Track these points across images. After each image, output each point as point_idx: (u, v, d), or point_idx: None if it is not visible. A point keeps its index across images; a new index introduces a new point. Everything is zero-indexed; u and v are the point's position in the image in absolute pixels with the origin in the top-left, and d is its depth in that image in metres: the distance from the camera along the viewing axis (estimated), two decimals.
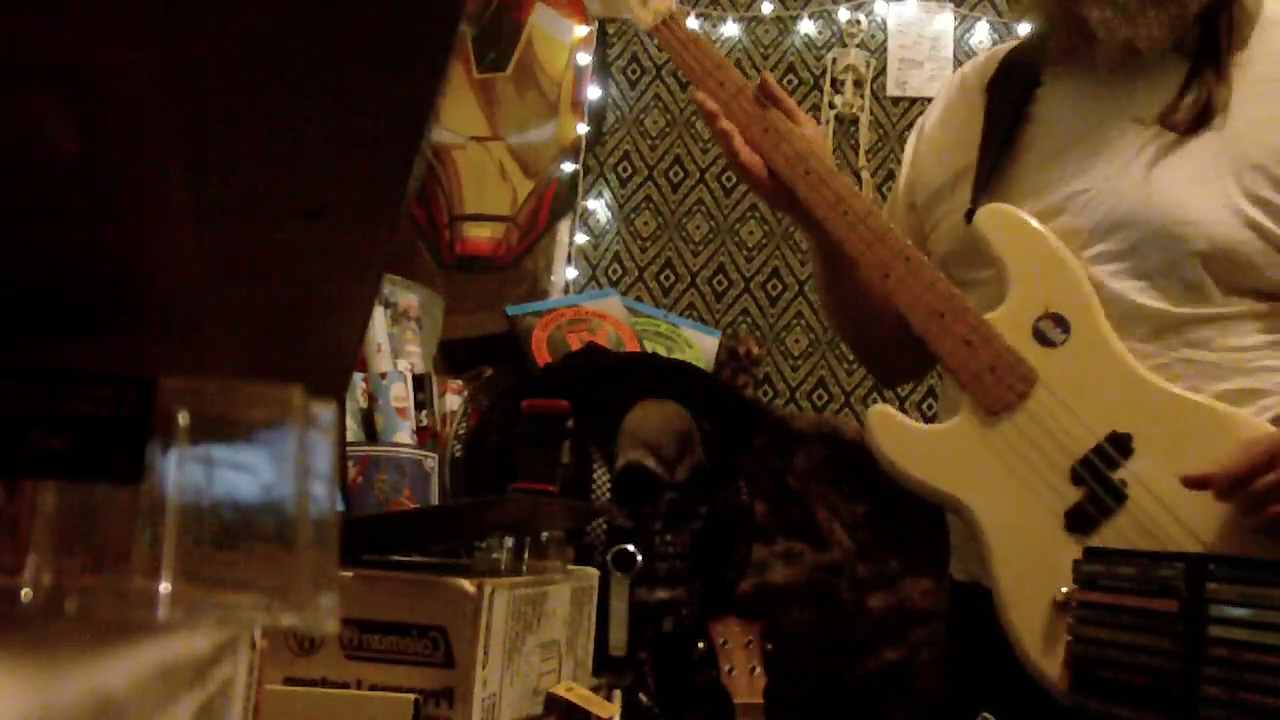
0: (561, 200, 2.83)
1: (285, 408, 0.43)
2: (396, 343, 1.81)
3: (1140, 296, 1.32)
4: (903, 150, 1.68)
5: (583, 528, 1.55)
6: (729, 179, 2.73)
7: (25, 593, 0.40)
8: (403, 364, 1.78)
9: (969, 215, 1.41)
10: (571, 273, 2.78)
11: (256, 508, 0.43)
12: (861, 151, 2.66)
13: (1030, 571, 1.28)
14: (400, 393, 1.70)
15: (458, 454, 1.72)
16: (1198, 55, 1.36)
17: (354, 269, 0.53)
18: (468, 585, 0.96)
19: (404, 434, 1.68)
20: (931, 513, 1.52)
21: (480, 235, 2.86)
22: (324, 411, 0.45)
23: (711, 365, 2.20)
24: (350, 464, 1.61)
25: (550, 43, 2.88)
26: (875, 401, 2.61)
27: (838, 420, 2.12)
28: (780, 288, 2.71)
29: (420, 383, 1.74)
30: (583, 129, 2.82)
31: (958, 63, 2.59)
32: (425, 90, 0.41)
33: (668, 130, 2.81)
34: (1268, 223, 1.30)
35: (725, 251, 2.74)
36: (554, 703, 1.12)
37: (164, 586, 0.40)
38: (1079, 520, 1.29)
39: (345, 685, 0.97)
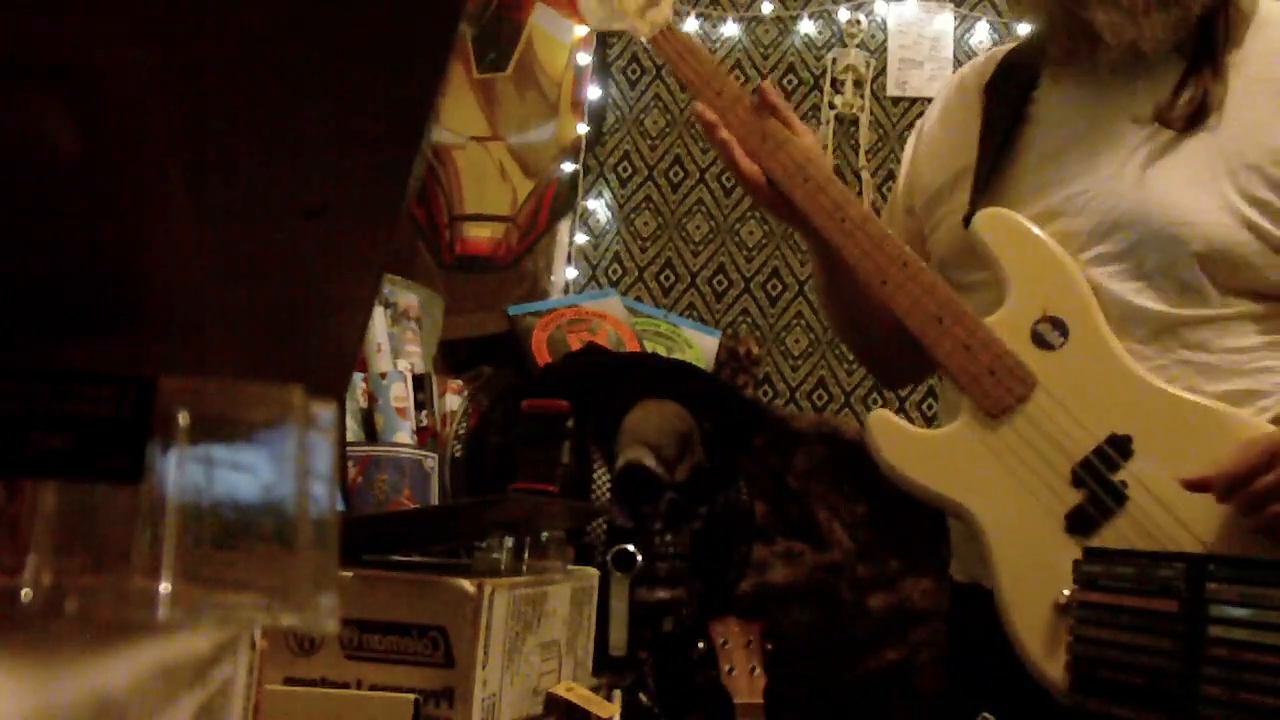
0: (561, 200, 2.83)
1: (285, 408, 0.43)
2: (396, 343, 1.81)
3: (1138, 298, 1.32)
4: (903, 150, 1.68)
5: (583, 528, 1.55)
6: (729, 179, 2.73)
7: (25, 593, 0.40)
8: (403, 364, 1.78)
9: (967, 219, 1.41)
10: (571, 273, 2.78)
11: (256, 508, 0.43)
12: (861, 152, 2.66)
13: (1032, 574, 1.28)
14: (400, 393, 1.70)
15: (458, 454, 1.72)
16: (1194, 54, 1.36)
17: (354, 269, 0.53)
18: (468, 585, 0.96)
19: (404, 434, 1.68)
20: (931, 513, 1.52)
21: (480, 235, 2.86)
22: (324, 411, 0.45)
23: (711, 365, 2.20)
24: (350, 464, 1.61)
25: (550, 43, 2.88)
26: (875, 402, 2.61)
27: (838, 420, 2.12)
28: (780, 288, 2.71)
29: (420, 383, 1.74)
30: (583, 129, 2.82)
31: (958, 63, 2.59)
32: (425, 90, 0.41)
33: (668, 130, 2.81)
34: (1264, 223, 1.30)
35: (725, 251, 2.74)
36: (554, 703, 1.12)
37: (164, 586, 0.40)
38: (1080, 522, 1.29)
39: (345, 685, 0.97)
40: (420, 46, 0.39)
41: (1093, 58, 1.37)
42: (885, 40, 2.71)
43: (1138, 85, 1.38)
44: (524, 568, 1.14)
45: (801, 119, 1.51)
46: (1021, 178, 1.42)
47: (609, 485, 1.63)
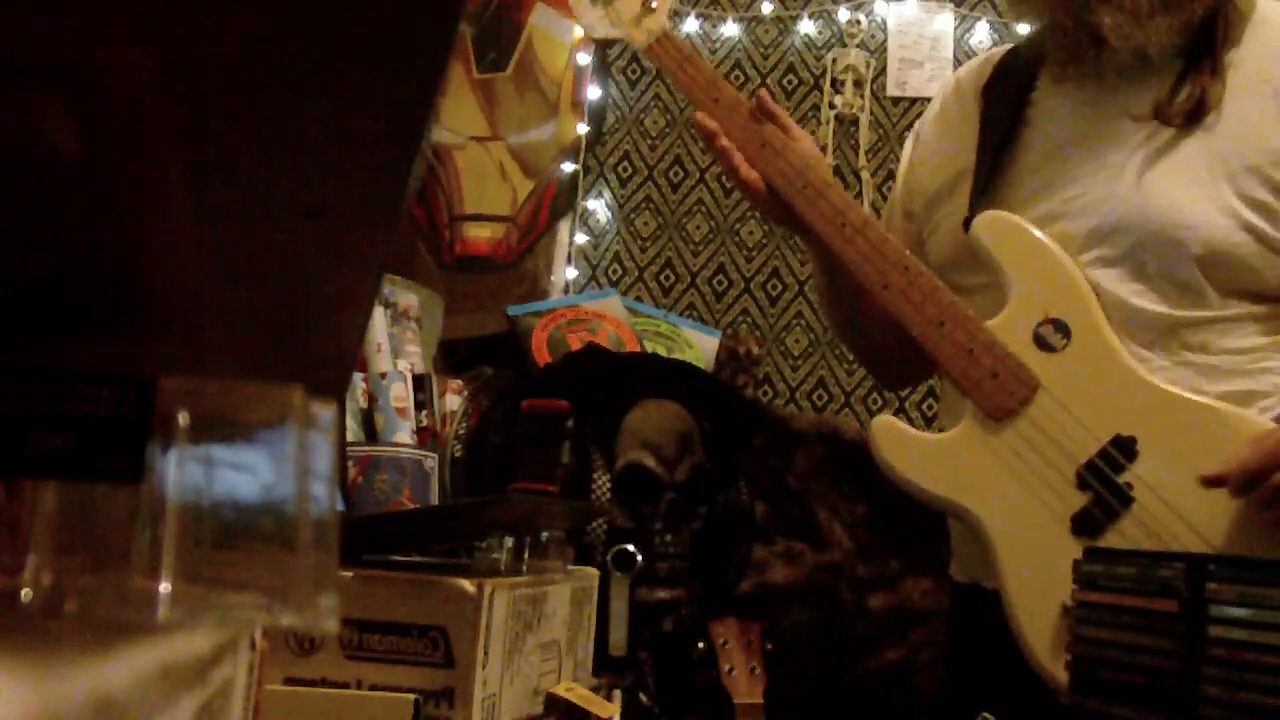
0: (561, 200, 2.83)
1: (285, 408, 0.43)
2: (396, 343, 1.81)
3: (1139, 300, 1.32)
4: (902, 151, 1.68)
5: (583, 528, 1.55)
6: (729, 180, 2.73)
7: (25, 593, 0.40)
8: (403, 364, 1.78)
9: (967, 223, 1.41)
10: (571, 273, 2.78)
11: (256, 508, 0.43)
12: (861, 152, 2.66)
13: (1038, 576, 1.28)
14: (400, 393, 1.70)
15: (458, 454, 1.72)
16: (1193, 52, 1.36)
17: (354, 269, 0.53)
18: (468, 585, 0.96)
19: (404, 434, 1.68)
20: (931, 513, 1.52)
21: (480, 235, 2.86)
22: (324, 411, 0.45)
23: (711, 365, 2.20)
24: (350, 464, 1.61)
25: (550, 43, 2.88)
26: (875, 402, 2.61)
27: (838, 420, 2.12)
28: (780, 288, 2.71)
29: (420, 383, 1.74)
30: (583, 129, 2.82)
31: (958, 63, 2.59)
32: (425, 90, 0.41)
33: (668, 130, 2.81)
34: (1263, 225, 1.30)
35: (725, 251, 2.74)
36: (554, 703, 1.12)
37: (164, 586, 0.40)
38: (1086, 524, 1.29)
39: (345, 685, 0.97)
40: (420, 46, 0.39)
41: (1097, 61, 1.37)
42: (885, 40, 2.71)
43: (1137, 86, 1.38)
44: (524, 568, 1.14)
45: (801, 119, 1.51)
46: (1021, 180, 1.42)
47: (609, 485, 1.63)
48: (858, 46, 2.70)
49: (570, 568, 1.29)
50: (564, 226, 2.82)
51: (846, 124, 2.69)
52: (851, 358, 2.54)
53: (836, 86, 2.69)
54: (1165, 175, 1.33)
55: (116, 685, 0.40)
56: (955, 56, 2.66)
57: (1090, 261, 1.35)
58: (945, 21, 2.69)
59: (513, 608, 1.02)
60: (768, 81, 2.74)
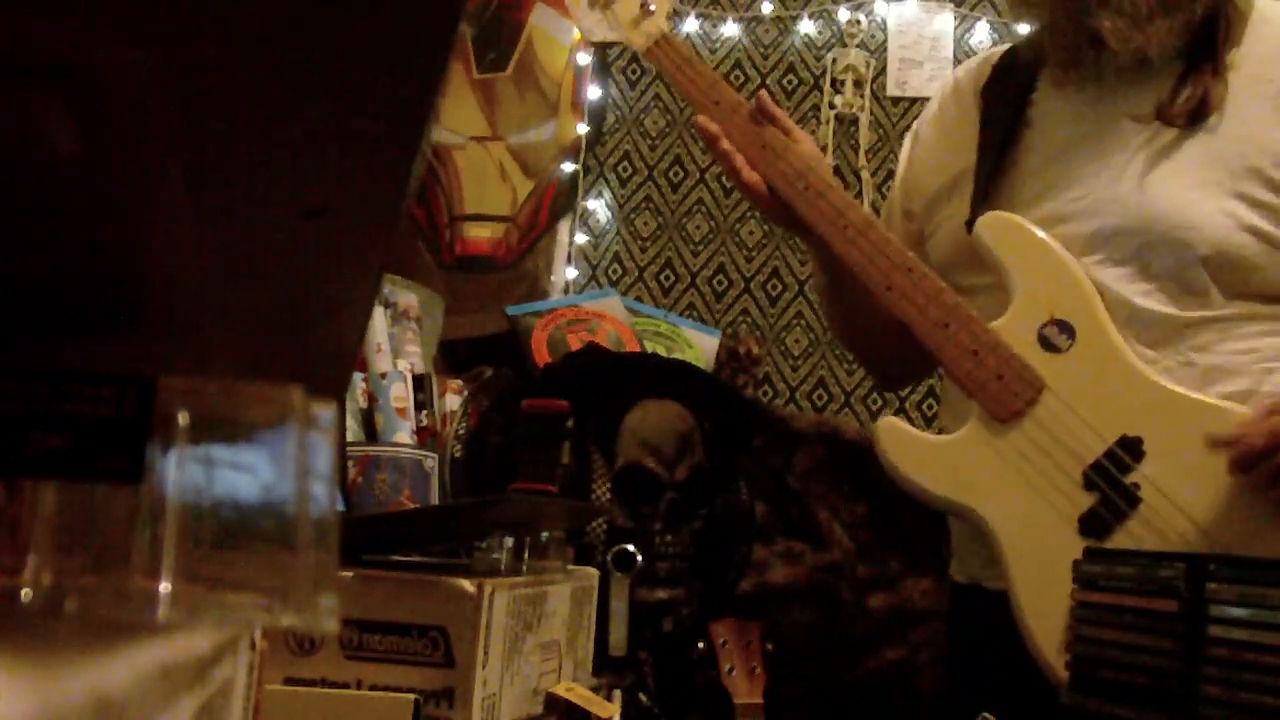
0: (561, 200, 2.83)
1: (285, 408, 0.43)
2: (396, 343, 1.81)
3: (1143, 300, 1.32)
4: (901, 150, 1.68)
5: (583, 528, 1.55)
6: (729, 180, 2.73)
7: (25, 593, 0.40)
8: (403, 364, 1.78)
9: (970, 224, 1.41)
10: (571, 273, 2.78)
11: (256, 508, 0.43)
12: (861, 151, 2.66)
13: (1046, 577, 1.28)
14: (400, 393, 1.70)
15: (458, 454, 1.72)
16: (1193, 53, 1.36)
17: (354, 269, 0.53)
18: (468, 585, 0.96)
19: (404, 434, 1.68)
20: (931, 513, 1.52)
21: (480, 235, 2.86)
22: (324, 411, 0.45)
23: (711, 365, 2.20)
24: (350, 464, 1.61)
25: (550, 43, 2.88)
26: (875, 402, 2.61)
27: (838, 420, 2.12)
28: (780, 288, 2.71)
29: (420, 383, 1.74)
30: (583, 129, 2.82)
31: (957, 62, 2.59)
32: (425, 90, 0.41)
33: (668, 130, 2.81)
34: (1267, 226, 1.30)
35: (725, 251, 2.74)
36: (554, 703, 1.12)
37: (164, 586, 0.40)
38: (1093, 525, 1.28)
39: (345, 685, 0.97)
40: (420, 46, 0.39)
41: (1097, 64, 1.37)
42: (885, 40, 2.71)
43: (1138, 88, 1.38)
44: (524, 568, 1.14)
45: (801, 119, 1.51)
46: (1023, 181, 1.42)
47: (609, 485, 1.63)
48: (858, 46, 2.70)
49: (570, 568, 1.29)
50: (564, 226, 2.82)
51: (846, 124, 2.69)
52: (851, 358, 2.54)
53: (836, 86, 2.69)
54: (1169, 176, 1.33)
55: (116, 685, 0.40)
56: (955, 56, 2.66)
57: (1095, 262, 1.35)
58: (945, 21, 2.69)
59: (513, 608, 1.02)
60: (768, 82, 2.74)
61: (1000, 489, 1.32)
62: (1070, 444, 1.31)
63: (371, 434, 1.67)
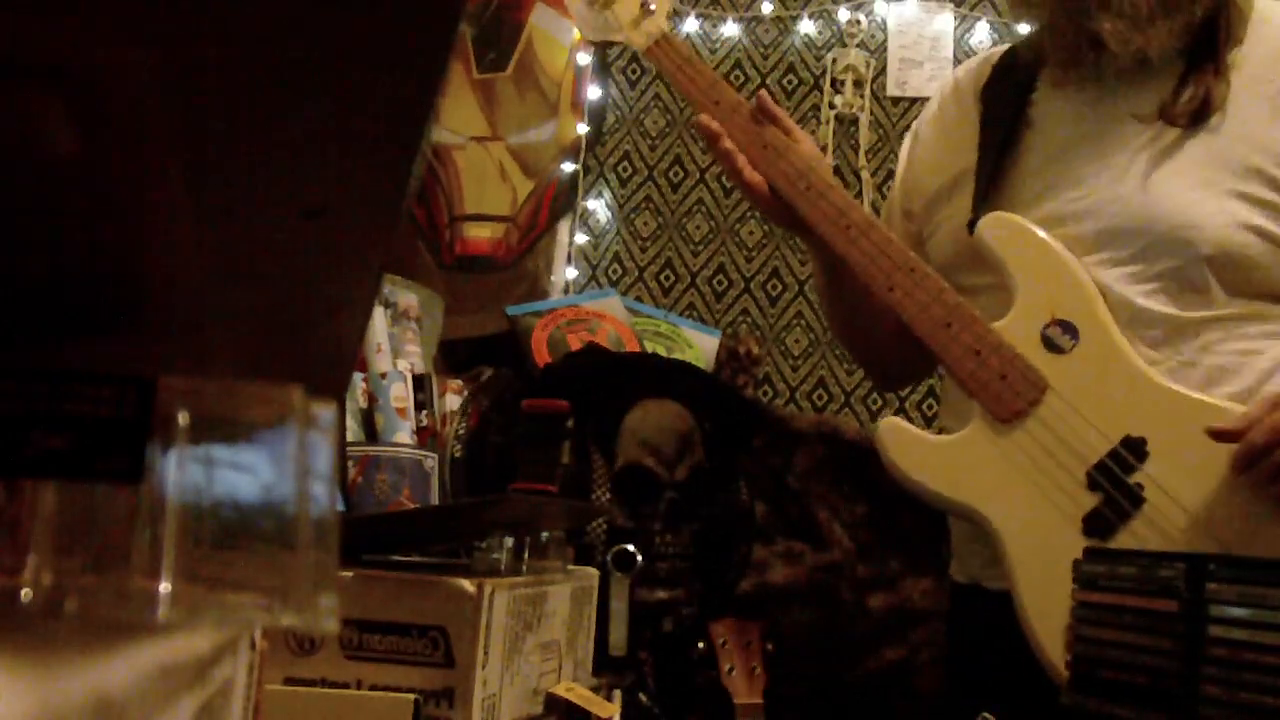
0: (561, 200, 2.83)
1: (285, 408, 0.43)
2: (396, 343, 1.81)
3: (1145, 300, 1.32)
4: (900, 150, 1.68)
5: (583, 528, 1.55)
6: (729, 180, 2.73)
7: (25, 593, 0.40)
8: (403, 364, 1.78)
9: (971, 224, 1.41)
10: (571, 273, 2.78)
11: (256, 508, 0.43)
12: (861, 151, 2.66)
13: (1050, 577, 1.27)
14: (400, 393, 1.70)
15: (458, 454, 1.72)
16: (1193, 52, 1.36)
17: (354, 269, 0.53)
18: (468, 585, 0.96)
19: (404, 434, 1.68)
20: (931, 513, 1.52)
21: (480, 235, 2.86)
22: (324, 411, 0.45)
23: (711, 365, 2.20)
24: (350, 464, 1.61)
25: (550, 43, 2.88)
26: (875, 402, 2.61)
27: (838, 420, 2.12)
28: (780, 288, 2.71)
29: (420, 383, 1.74)
30: (583, 129, 2.82)
31: (957, 62, 2.59)
32: (425, 90, 0.41)
33: (668, 130, 2.81)
34: (1269, 225, 1.30)
35: (725, 251, 2.74)
36: (554, 703, 1.12)
37: (164, 586, 0.40)
38: (1097, 525, 1.28)
39: (345, 685, 0.97)
40: (420, 46, 0.39)
41: (1097, 65, 1.37)
42: (885, 40, 2.71)
43: (1138, 88, 1.38)
44: (524, 568, 1.14)
45: (801, 119, 1.51)
46: (1024, 182, 1.42)
47: (609, 485, 1.63)
48: (858, 46, 2.70)
49: (570, 568, 1.29)
50: (564, 226, 2.82)
51: (846, 124, 2.69)
52: (851, 358, 2.54)
53: (836, 86, 2.69)
54: (1171, 176, 1.33)
55: (116, 685, 0.40)
56: (955, 56, 2.66)
57: (1097, 262, 1.34)
58: (945, 21, 2.69)
59: (513, 608, 1.02)
60: (768, 82, 2.74)
61: (1004, 489, 1.32)
62: (1074, 444, 1.31)
63: (371, 434, 1.67)
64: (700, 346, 2.22)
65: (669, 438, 1.65)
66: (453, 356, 2.00)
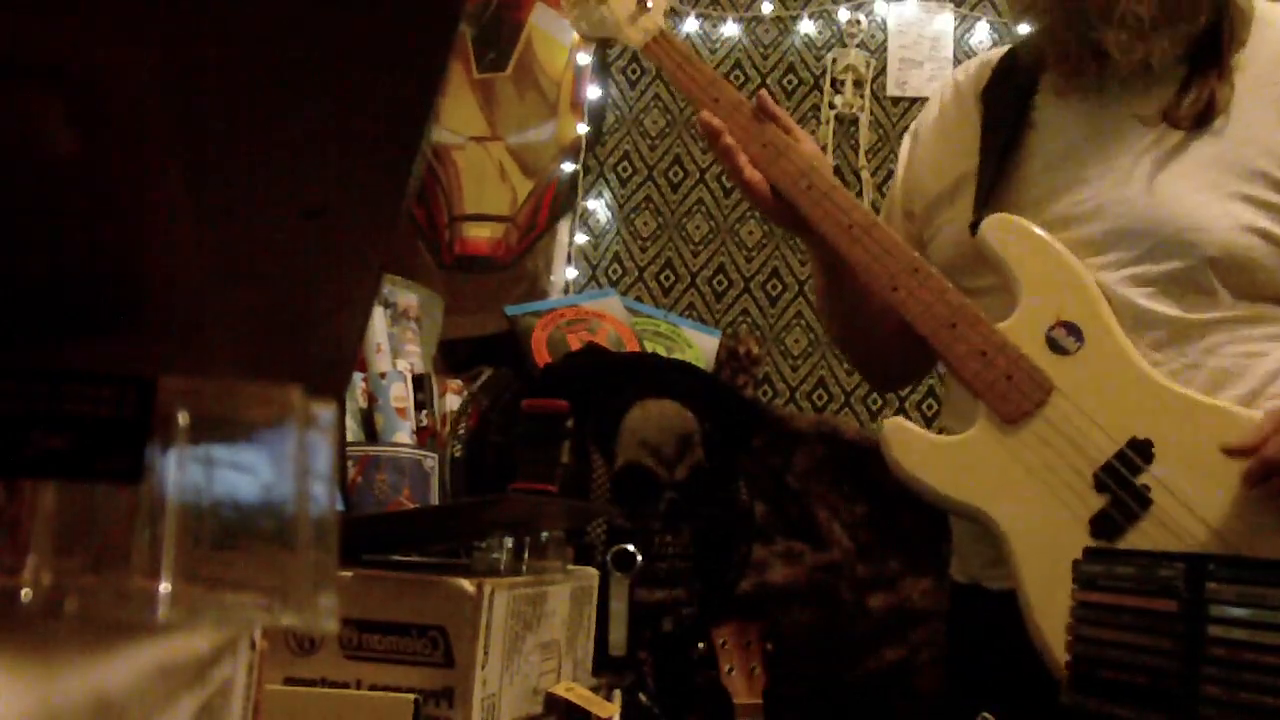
0: (561, 200, 2.83)
1: (285, 408, 0.43)
2: (396, 343, 1.81)
3: (1150, 303, 1.32)
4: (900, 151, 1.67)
5: (583, 528, 1.55)
6: (729, 179, 2.73)
7: (25, 593, 0.40)
8: (403, 364, 1.78)
9: (974, 226, 1.40)
10: (571, 273, 2.78)
11: (256, 508, 0.43)
12: (861, 151, 2.66)
13: (1058, 578, 1.27)
14: (400, 393, 1.70)
15: (458, 454, 1.72)
16: (1196, 56, 1.36)
17: (354, 269, 0.53)
18: (468, 585, 0.96)
19: (404, 434, 1.68)
20: (932, 513, 1.52)
21: (480, 235, 2.86)
22: (324, 411, 0.45)
23: (711, 365, 2.20)
24: (350, 464, 1.61)
25: (550, 43, 2.88)
26: (875, 402, 2.61)
27: (838, 420, 2.12)
28: (780, 288, 2.71)
29: (420, 383, 1.74)
30: (583, 129, 2.82)
31: (957, 62, 2.59)
32: (425, 90, 0.41)
33: (668, 130, 2.81)
34: (1274, 227, 1.30)
35: (725, 251, 2.74)
36: (554, 703, 1.12)
37: (164, 586, 0.40)
38: (1104, 526, 1.28)
39: (345, 685, 0.97)
40: (420, 46, 0.39)
41: (1100, 74, 1.37)
42: (885, 40, 2.71)
43: (1141, 92, 1.37)
44: (524, 568, 1.14)
45: (801, 119, 1.51)
46: (1026, 184, 1.42)
47: (609, 485, 1.63)
48: (858, 46, 2.70)
49: (570, 568, 1.29)
50: (564, 226, 2.82)
51: (846, 124, 2.69)
52: (847, 358, 2.54)
53: (836, 86, 2.69)
54: (1175, 178, 1.33)
55: (116, 685, 0.40)
56: (955, 56, 2.66)
57: (1101, 265, 1.34)
58: (945, 21, 2.69)
59: (512, 608, 1.02)
60: (768, 82, 2.74)
61: (1011, 490, 1.32)
62: (1081, 445, 1.30)
63: (371, 434, 1.67)
64: (700, 346, 2.22)
65: (669, 438, 1.65)
66: (452, 356, 2.00)
